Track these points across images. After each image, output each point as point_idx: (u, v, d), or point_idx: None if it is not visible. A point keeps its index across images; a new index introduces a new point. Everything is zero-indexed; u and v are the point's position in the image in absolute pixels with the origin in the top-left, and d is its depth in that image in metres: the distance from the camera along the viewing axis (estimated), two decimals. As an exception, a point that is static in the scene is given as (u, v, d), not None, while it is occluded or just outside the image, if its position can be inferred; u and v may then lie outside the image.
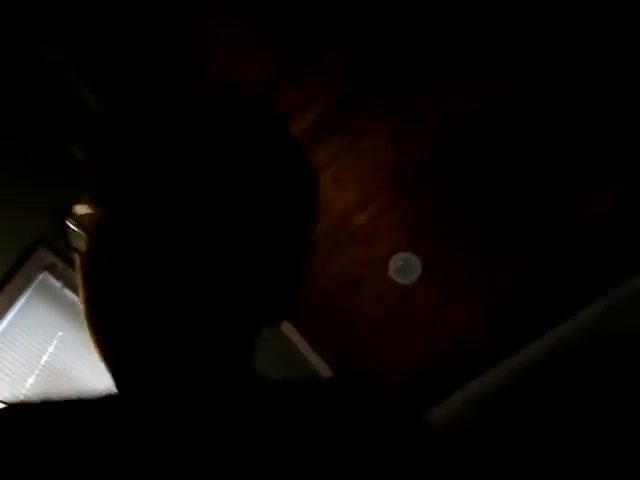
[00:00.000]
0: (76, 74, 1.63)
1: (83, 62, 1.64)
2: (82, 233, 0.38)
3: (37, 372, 1.49)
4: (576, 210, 1.64)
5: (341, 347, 2.34)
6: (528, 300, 1.86)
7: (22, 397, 1.42)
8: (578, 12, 1.25)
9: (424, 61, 1.94)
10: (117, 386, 0.39)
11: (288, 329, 2.24)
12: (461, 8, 1.34)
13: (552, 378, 1.53)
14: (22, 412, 0.41)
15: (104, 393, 0.40)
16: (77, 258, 0.40)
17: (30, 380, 1.47)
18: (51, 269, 1.58)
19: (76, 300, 1.63)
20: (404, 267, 2.18)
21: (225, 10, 1.75)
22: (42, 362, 1.52)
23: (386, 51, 1.87)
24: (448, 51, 1.48)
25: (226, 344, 0.40)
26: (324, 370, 2.30)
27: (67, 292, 1.61)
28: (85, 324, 0.39)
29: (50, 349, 1.55)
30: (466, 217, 1.78)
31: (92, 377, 1.57)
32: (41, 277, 1.58)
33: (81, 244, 0.38)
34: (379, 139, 2.16)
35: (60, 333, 1.58)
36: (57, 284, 1.60)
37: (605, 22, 1.25)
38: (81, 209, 0.39)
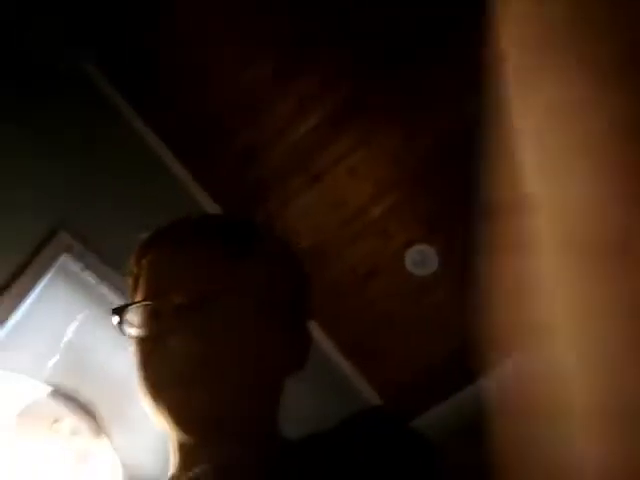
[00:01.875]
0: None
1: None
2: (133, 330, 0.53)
3: (59, 353, 1.52)
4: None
5: (354, 339, 2.34)
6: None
7: (44, 377, 1.46)
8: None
9: (437, 56, 1.93)
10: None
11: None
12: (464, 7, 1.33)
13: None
14: None
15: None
16: (134, 343, 0.54)
17: (52, 360, 1.50)
18: (71, 252, 1.60)
19: (95, 283, 1.65)
20: (421, 259, 2.18)
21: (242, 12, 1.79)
22: (63, 343, 1.54)
23: (390, 50, 1.85)
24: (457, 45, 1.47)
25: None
26: (337, 358, 2.31)
27: (87, 275, 1.63)
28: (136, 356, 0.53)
29: (71, 331, 1.57)
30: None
31: (112, 358, 1.59)
32: (61, 260, 1.60)
33: (133, 333, 0.53)
34: (395, 132, 2.15)
35: (80, 315, 1.61)
36: (77, 267, 1.62)
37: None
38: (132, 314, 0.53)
